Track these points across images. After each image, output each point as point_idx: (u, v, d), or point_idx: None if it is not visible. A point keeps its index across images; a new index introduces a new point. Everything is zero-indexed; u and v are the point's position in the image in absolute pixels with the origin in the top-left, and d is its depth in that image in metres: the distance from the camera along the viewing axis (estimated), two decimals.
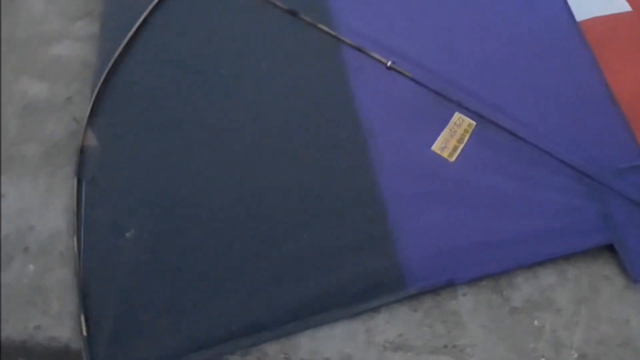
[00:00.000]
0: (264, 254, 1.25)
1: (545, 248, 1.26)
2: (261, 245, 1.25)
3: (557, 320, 1.22)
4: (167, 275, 1.22)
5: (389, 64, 1.46)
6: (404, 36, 1.52)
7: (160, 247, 1.25)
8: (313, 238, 1.26)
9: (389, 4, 1.57)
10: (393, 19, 1.55)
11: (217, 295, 1.20)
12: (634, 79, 1.46)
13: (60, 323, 1.19)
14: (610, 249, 1.28)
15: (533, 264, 1.27)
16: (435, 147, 1.36)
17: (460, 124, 1.39)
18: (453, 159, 1.35)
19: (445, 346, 1.19)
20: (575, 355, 1.18)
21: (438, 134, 1.38)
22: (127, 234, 1.25)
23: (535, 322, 1.22)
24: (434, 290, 1.23)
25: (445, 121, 1.40)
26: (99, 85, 1.42)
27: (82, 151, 1.35)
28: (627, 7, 1.59)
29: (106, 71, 1.44)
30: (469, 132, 1.38)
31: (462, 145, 1.36)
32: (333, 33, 1.51)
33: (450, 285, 1.23)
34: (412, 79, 1.44)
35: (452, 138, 1.37)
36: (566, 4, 1.57)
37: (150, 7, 1.53)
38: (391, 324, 1.20)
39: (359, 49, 1.48)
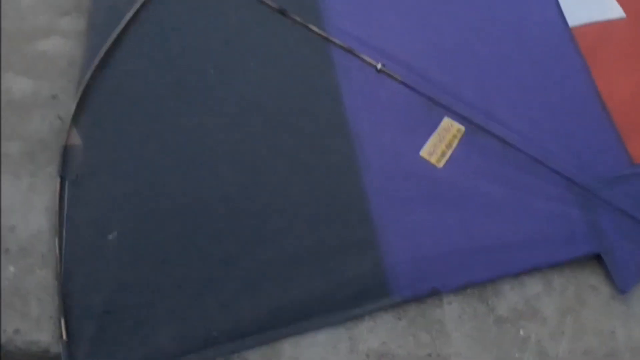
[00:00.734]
0: (246, 258, 1.23)
1: (532, 257, 1.26)
2: (243, 249, 1.24)
3: (542, 330, 1.22)
4: (148, 279, 1.20)
5: (379, 66, 1.44)
6: (395, 38, 1.50)
7: (142, 250, 1.23)
8: (296, 242, 1.25)
9: (381, 6, 1.56)
10: (385, 20, 1.53)
11: (198, 300, 1.18)
12: (624, 86, 1.46)
13: (39, 327, 1.16)
14: (597, 259, 1.28)
15: (519, 273, 1.26)
16: (424, 152, 1.35)
17: (449, 129, 1.37)
18: (441, 164, 1.34)
19: (429, 355, 1.18)
20: None
21: (427, 139, 1.37)
22: (110, 236, 1.23)
23: (521, 332, 1.21)
24: (419, 299, 1.22)
25: (434, 126, 1.38)
26: (84, 84, 1.39)
27: (65, 150, 1.32)
28: (621, 13, 1.58)
29: (92, 69, 1.41)
30: (458, 138, 1.37)
31: (450, 151, 1.35)
32: (323, 33, 1.49)
33: (435, 293, 1.22)
34: (402, 82, 1.43)
35: (440, 143, 1.36)
36: (559, 9, 1.56)
37: (139, 3, 1.51)
38: (375, 332, 1.19)
39: (349, 51, 1.47)
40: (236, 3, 1.55)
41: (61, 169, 1.30)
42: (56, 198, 1.27)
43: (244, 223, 1.26)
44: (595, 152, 1.37)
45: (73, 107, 1.38)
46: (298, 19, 1.51)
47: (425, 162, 1.34)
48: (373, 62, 1.45)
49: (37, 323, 1.17)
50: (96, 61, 1.43)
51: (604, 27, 1.55)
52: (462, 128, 1.38)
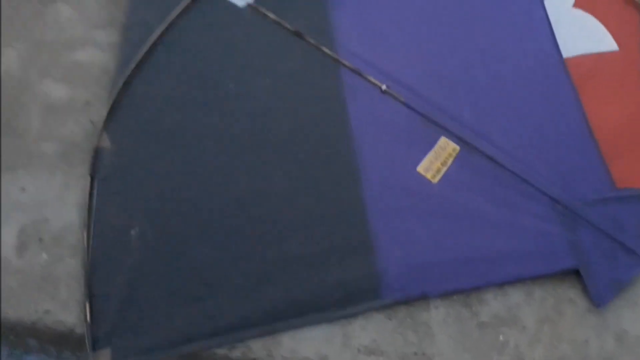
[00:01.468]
0: (254, 257, 1.36)
1: (515, 269, 1.37)
2: (252, 248, 1.37)
3: (521, 337, 1.32)
4: (165, 272, 1.33)
5: (383, 87, 1.57)
6: (400, 61, 1.62)
7: (160, 245, 1.36)
8: (299, 245, 1.37)
9: (389, 30, 1.68)
10: (391, 44, 1.66)
11: (209, 293, 1.31)
12: (612, 116, 1.56)
13: (67, 309, 1.30)
14: (576, 274, 1.38)
15: (503, 283, 1.37)
16: (420, 168, 1.47)
17: (445, 148, 1.49)
18: (436, 180, 1.45)
19: (415, 353, 1.29)
20: None
21: (424, 156, 1.49)
22: (132, 232, 1.37)
23: (501, 337, 1.32)
24: (408, 302, 1.34)
25: (432, 144, 1.50)
26: (115, 92, 1.53)
27: (96, 152, 1.46)
28: (614, 46, 1.68)
29: (123, 79, 1.55)
30: (453, 156, 1.48)
31: (445, 168, 1.47)
32: (334, 56, 1.61)
33: (423, 297, 1.34)
34: (404, 103, 1.55)
35: (436, 160, 1.47)
36: (554, 40, 1.67)
37: (168, 21, 1.64)
38: (366, 330, 1.31)
39: (357, 72, 1.59)
40: (257, 25, 1.68)
41: (92, 169, 1.44)
42: (86, 195, 1.41)
43: (253, 225, 1.39)
44: (580, 175, 1.47)
45: (105, 113, 1.51)
46: (312, 41, 1.64)
47: (422, 177, 1.46)
48: (378, 83, 1.57)
49: (65, 306, 1.31)
50: (127, 72, 1.56)
51: (597, 59, 1.66)
52: (457, 147, 1.49)
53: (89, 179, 1.43)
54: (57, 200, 1.43)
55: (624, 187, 1.46)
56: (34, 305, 1.31)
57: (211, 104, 1.55)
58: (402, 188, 1.45)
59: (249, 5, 1.71)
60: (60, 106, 1.57)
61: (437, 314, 1.34)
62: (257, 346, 1.28)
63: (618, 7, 1.78)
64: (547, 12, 1.74)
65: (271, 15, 1.68)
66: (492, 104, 1.57)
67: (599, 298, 1.35)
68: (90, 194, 1.41)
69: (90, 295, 1.30)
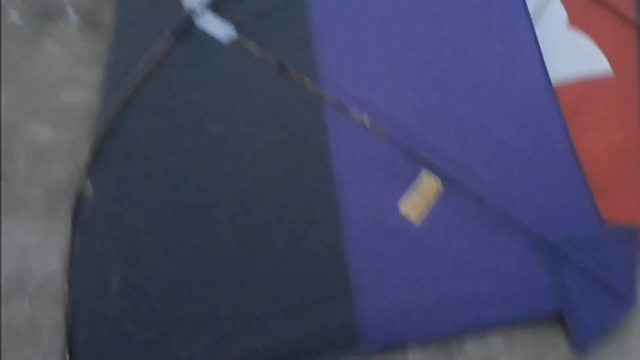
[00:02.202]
0: (230, 305, 1.36)
1: (496, 314, 1.34)
2: (229, 296, 1.37)
3: None
4: (143, 322, 1.34)
5: (367, 124, 1.54)
6: (384, 94, 1.59)
7: (139, 294, 1.37)
8: (277, 292, 1.37)
9: (374, 63, 1.65)
10: (376, 78, 1.62)
11: (187, 344, 1.32)
12: (601, 146, 1.51)
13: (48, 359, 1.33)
14: (559, 318, 1.34)
15: (483, 328, 1.34)
16: (403, 209, 1.44)
17: (429, 186, 1.46)
18: (418, 221, 1.43)
19: None
20: None
21: (406, 195, 1.46)
22: (112, 280, 1.38)
23: None
24: (387, 350, 1.32)
25: (415, 182, 1.47)
26: (99, 135, 1.54)
27: (79, 198, 1.48)
28: (609, 71, 1.62)
29: (107, 122, 1.55)
30: (436, 195, 1.45)
31: (427, 208, 1.44)
32: (317, 90, 1.59)
33: (402, 345, 1.32)
34: (387, 138, 1.52)
35: (419, 200, 1.45)
36: (543, 67, 1.61)
37: (150, 62, 1.64)
38: None
39: (340, 106, 1.57)
40: (240, 60, 1.66)
41: (74, 215, 1.46)
42: (66, 244, 1.43)
43: (232, 275, 1.39)
44: (566, 211, 1.43)
45: (87, 156, 1.53)
46: (295, 73, 1.62)
47: (403, 219, 1.43)
48: (362, 118, 1.55)
49: (47, 356, 1.34)
50: (111, 114, 1.57)
51: (589, 86, 1.60)
52: (440, 185, 1.46)
53: (70, 225, 1.45)
54: (41, 247, 1.45)
55: (612, 224, 1.41)
56: (16, 356, 1.33)
57: (192, 147, 1.54)
58: (383, 230, 1.43)
59: (231, 39, 1.69)
60: (46, 149, 1.59)
61: None
62: None
63: (614, 25, 1.71)
64: (538, 35, 1.68)
65: (254, 49, 1.67)
66: (477, 137, 1.53)
67: (583, 344, 1.31)
68: (72, 242, 1.43)
69: (70, 345, 1.32)
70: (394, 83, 1.62)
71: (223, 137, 1.56)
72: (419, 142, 1.51)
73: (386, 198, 1.46)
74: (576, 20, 1.73)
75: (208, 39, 1.71)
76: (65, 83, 1.71)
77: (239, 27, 1.72)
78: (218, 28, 1.72)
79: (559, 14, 1.77)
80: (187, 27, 1.71)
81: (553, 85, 1.60)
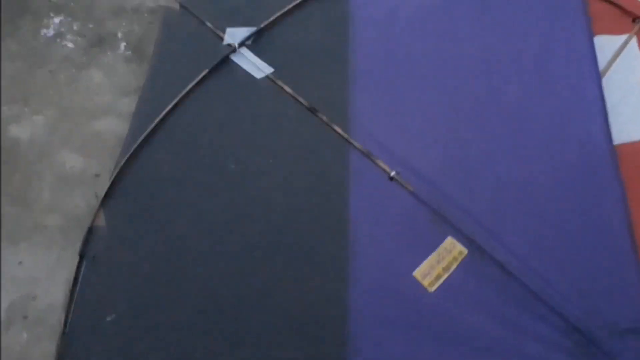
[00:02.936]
0: (226, 357, 1.28)
1: None
2: (224, 348, 1.29)
3: None
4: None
5: (392, 174, 1.42)
6: (415, 145, 1.47)
7: (132, 335, 1.32)
8: (270, 350, 1.26)
9: (408, 110, 1.54)
10: (408, 125, 1.51)
11: None
12: None
13: None
14: None
15: None
16: (418, 273, 1.30)
17: (451, 251, 1.32)
18: (433, 288, 1.28)
19: None
20: None
21: (425, 257, 1.32)
22: (108, 318, 1.34)
23: None
24: None
25: (436, 244, 1.33)
26: (118, 168, 1.52)
27: (90, 230, 1.45)
28: None
29: (128, 154, 1.54)
30: (458, 261, 1.30)
31: (446, 275, 1.29)
32: (345, 136, 1.50)
33: None
34: (412, 193, 1.39)
35: (438, 264, 1.30)
36: (606, 125, 1.43)
37: (181, 95, 1.62)
38: None
39: (367, 154, 1.46)
40: (271, 98, 1.61)
41: (82, 247, 1.43)
42: (72, 275, 1.40)
43: (229, 322, 1.31)
44: (611, 295, 1.23)
45: (105, 189, 1.51)
46: (325, 118, 1.53)
47: (417, 284, 1.29)
48: (387, 168, 1.43)
49: None
50: (134, 146, 1.55)
51: None
52: (465, 250, 1.31)
53: (77, 258, 1.42)
54: (48, 277, 1.44)
55: None
56: None
57: (209, 185, 1.50)
58: (393, 295, 1.29)
59: (266, 77, 1.64)
60: (71, 177, 1.60)
61: None
62: None
63: None
64: (604, 87, 1.50)
65: (287, 89, 1.60)
66: (513, 199, 1.37)
67: None
68: (77, 274, 1.40)
69: None
70: (427, 134, 1.49)
71: (242, 175, 1.50)
72: (446, 199, 1.37)
73: (401, 258, 1.33)
74: None
75: (243, 75, 1.67)
76: (102, 112, 1.72)
77: (276, 65, 1.67)
78: (254, 65, 1.68)
79: (634, 65, 1.58)
80: (223, 63, 1.68)
81: (614, 145, 1.41)
